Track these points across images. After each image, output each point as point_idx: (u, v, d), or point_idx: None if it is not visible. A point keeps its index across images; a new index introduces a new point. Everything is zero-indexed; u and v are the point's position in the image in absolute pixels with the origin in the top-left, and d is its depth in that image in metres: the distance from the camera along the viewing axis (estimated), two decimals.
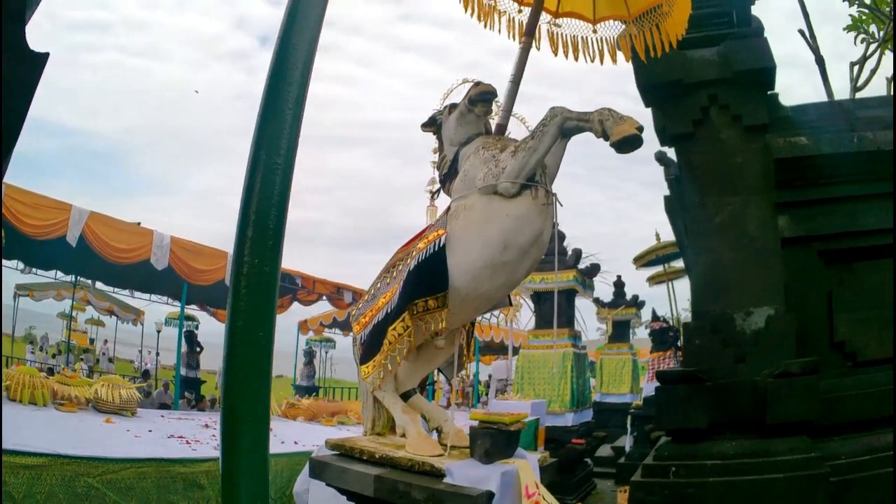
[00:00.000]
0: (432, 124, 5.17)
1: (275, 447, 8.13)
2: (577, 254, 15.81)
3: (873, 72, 12.14)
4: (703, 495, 5.85)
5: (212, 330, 22.48)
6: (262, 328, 2.50)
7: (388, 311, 4.62)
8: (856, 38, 12.19)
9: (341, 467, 4.63)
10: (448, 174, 4.83)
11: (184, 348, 18.86)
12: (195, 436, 8.82)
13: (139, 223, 13.72)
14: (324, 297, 19.64)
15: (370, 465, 4.57)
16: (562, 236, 16.38)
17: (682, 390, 6.37)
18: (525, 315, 16.43)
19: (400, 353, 4.51)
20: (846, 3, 11.49)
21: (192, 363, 19.87)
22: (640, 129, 4.07)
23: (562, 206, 4.70)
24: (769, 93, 7.19)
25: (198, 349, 20.57)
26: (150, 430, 8.71)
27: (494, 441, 4.41)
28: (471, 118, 4.82)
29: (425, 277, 4.42)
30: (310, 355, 27.62)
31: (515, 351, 16.27)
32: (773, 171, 6.78)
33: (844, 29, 12.17)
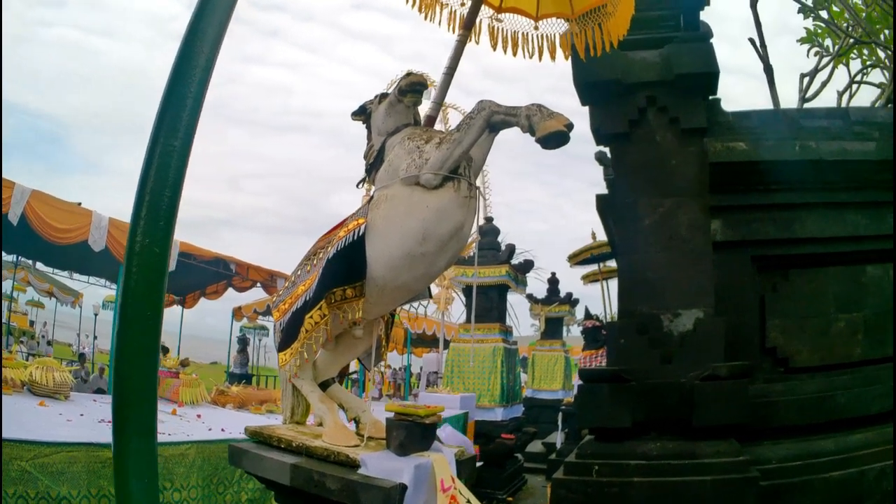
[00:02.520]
0: (362, 113, 5.20)
1: (203, 434, 8.18)
2: (511, 249, 15.95)
3: (824, 84, 12.36)
4: (627, 495, 5.94)
5: None
6: (150, 307, 2.59)
7: (307, 298, 4.64)
8: (809, 50, 12.39)
9: (259, 455, 4.67)
10: (374, 164, 4.86)
11: None
12: None
13: (80, 203, 13.65)
14: (258, 284, 19.65)
15: (287, 453, 4.62)
16: (496, 231, 16.60)
17: (606, 389, 6.48)
18: (458, 308, 16.57)
19: (316, 341, 4.54)
20: (801, 16, 11.68)
21: None
22: (569, 126, 4.12)
23: (485, 199, 4.77)
24: (711, 98, 7.33)
25: None
26: (81, 415, 8.66)
27: (409, 433, 4.45)
28: (400, 108, 4.86)
29: (343, 266, 4.46)
30: (243, 342, 27.54)
31: (447, 344, 16.39)
32: (709, 175, 6.89)
33: (798, 41, 12.37)
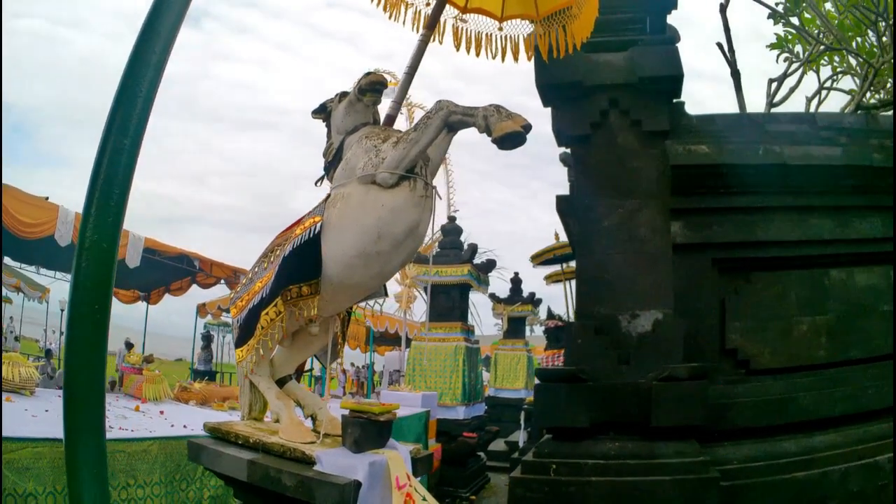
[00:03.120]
0: (322, 112, 5.26)
1: (165, 430, 8.23)
2: (473, 249, 16.10)
3: (792, 89, 12.47)
4: (585, 494, 6.01)
5: (114, 311, 22.37)
6: (98, 301, 2.67)
7: (263, 295, 4.70)
8: (778, 56, 12.50)
9: (217, 451, 4.72)
10: (333, 162, 4.92)
11: None
12: None
13: (47, 198, 13.61)
14: (222, 281, 19.65)
15: (244, 449, 4.66)
16: (459, 230, 16.76)
17: (563, 389, 6.57)
18: (421, 306, 16.68)
19: (272, 337, 4.62)
20: (772, 22, 11.77)
21: None
22: (527, 127, 4.18)
23: (440, 199, 4.84)
24: (675, 101, 7.42)
25: None
26: (46, 410, 8.66)
27: (364, 430, 4.50)
28: (359, 107, 4.92)
29: (299, 264, 4.52)
30: (207, 339, 27.43)
31: (409, 342, 16.49)
32: (670, 178, 6.98)
33: (768, 46, 12.47)
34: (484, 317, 23.06)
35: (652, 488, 5.99)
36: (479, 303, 17.55)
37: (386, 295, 5.53)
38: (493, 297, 22.69)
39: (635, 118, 7.14)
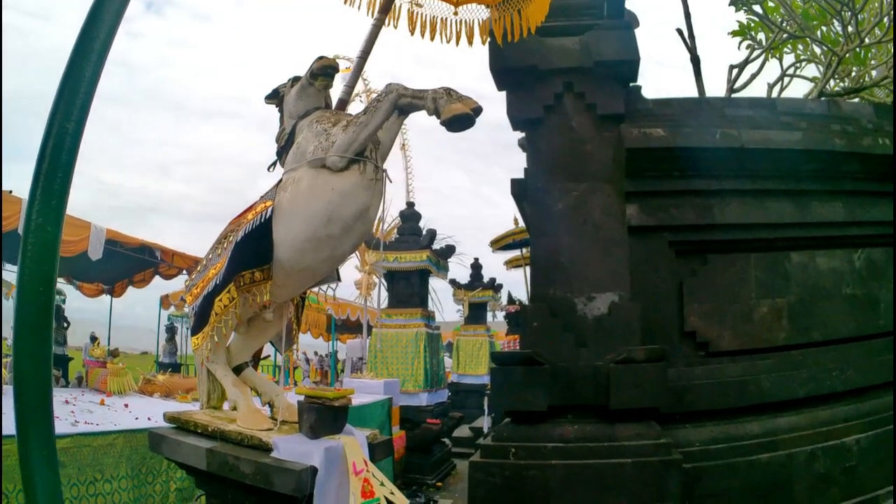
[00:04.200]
0: (275, 97, 5.31)
1: (130, 423, 8.25)
2: (432, 234, 16.15)
3: (754, 76, 12.57)
4: (545, 477, 6.07)
5: (79, 306, 22.23)
6: (43, 283, 2.75)
7: (217, 282, 4.74)
8: (740, 43, 12.60)
9: (176, 440, 4.78)
10: (285, 147, 4.97)
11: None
12: (55, 412, 8.81)
13: (10, 191, 13.54)
14: (184, 272, 19.16)
15: (203, 438, 4.73)
16: (418, 216, 16.82)
17: (520, 372, 6.61)
18: (382, 293, 16.75)
19: (226, 324, 4.67)
20: (735, 9, 11.86)
21: (59, 339, 19.65)
22: (476, 109, 4.27)
23: (391, 182, 4.91)
24: (632, 85, 7.49)
25: (65, 324, 20.31)
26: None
27: (320, 416, 4.56)
28: (311, 92, 4.98)
29: (251, 249, 4.57)
30: (171, 331, 27.37)
31: (370, 330, 16.57)
32: (625, 161, 7.04)
33: (729, 34, 12.57)
34: (445, 303, 23.20)
35: (612, 471, 6.06)
36: (439, 289, 17.62)
37: (338, 280, 5.59)
38: (453, 282, 22.91)
39: (590, 102, 7.19)
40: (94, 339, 19.92)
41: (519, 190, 7.43)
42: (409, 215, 16.76)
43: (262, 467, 4.27)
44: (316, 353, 36.85)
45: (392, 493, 4.65)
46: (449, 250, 17.12)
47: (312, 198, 4.49)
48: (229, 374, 5.11)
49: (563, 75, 7.19)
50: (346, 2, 5.62)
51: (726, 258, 7.42)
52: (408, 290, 15.92)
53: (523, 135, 7.56)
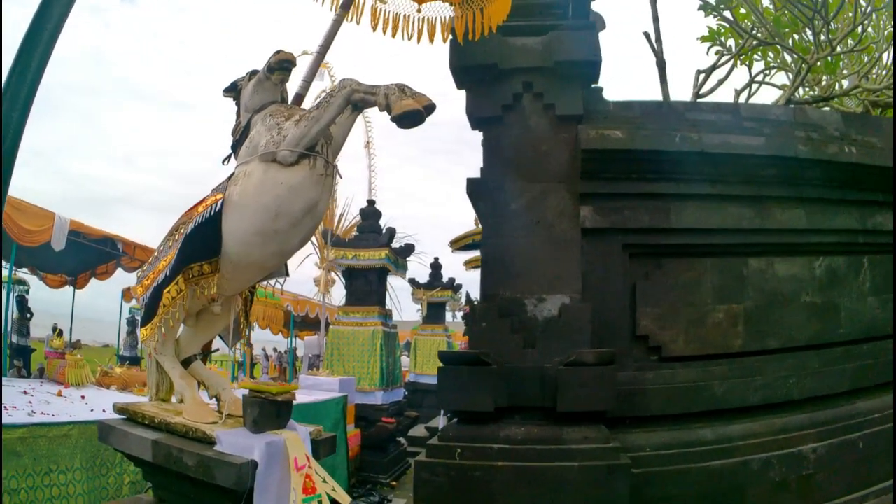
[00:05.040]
0: (232, 90, 5.34)
1: (86, 415, 8.27)
2: (391, 233, 16.15)
3: (721, 81, 12.64)
4: (491, 479, 6.13)
5: (43, 297, 22.09)
6: None
7: (167, 274, 4.76)
8: (709, 49, 12.67)
9: (124, 431, 4.80)
10: (240, 140, 5.00)
11: (14, 314, 18.56)
12: (12, 402, 8.78)
13: None
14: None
15: (150, 429, 4.75)
16: (378, 214, 16.86)
17: (466, 372, 6.67)
18: (341, 290, 16.78)
19: (173, 316, 4.71)
20: (704, 14, 11.92)
21: (22, 330, 19.62)
22: (429, 107, 4.37)
23: (341, 178, 4.96)
24: (593, 86, 7.56)
25: (28, 315, 20.19)
26: None
27: (262, 411, 4.61)
28: (268, 86, 5.01)
29: (200, 242, 4.61)
30: (132, 324, 27.24)
31: (329, 327, 16.65)
32: (581, 162, 7.09)
33: (699, 39, 12.64)
34: (404, 302, 23.30)
35: (559, 474, 6.11)
36: (399, 287, 17.70)
37: (287, 274, 5.63)
38: (412, 282, 22.98)
39: (549, 102, 7.28)
40: (55, 330, 19.79)
41: (474, 189, 7.45)
42: (370, 213, 16.79)
43: (204, 460, 4.32)
44: (275, 350, 36.84)
45: (334, 490, 4.71)
46: (408, 249, 17.16)
47: (262, 192, 4.53)
48: (177, 367, 5.14)
49: (523, 75, 7.30)
50: None
51: (682, 262, 7.52)
52: (366, 287, 15.96)
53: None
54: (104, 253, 17.71)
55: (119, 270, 19.82)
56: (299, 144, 4.50)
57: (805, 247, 7.87)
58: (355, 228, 16.65)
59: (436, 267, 23.97)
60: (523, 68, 7.28)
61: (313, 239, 16.71)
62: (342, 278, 16.36)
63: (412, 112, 4.33)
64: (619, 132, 7.18)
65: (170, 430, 4.71)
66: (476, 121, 7.53)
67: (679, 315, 7.39)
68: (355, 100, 4.59)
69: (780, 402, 7.41)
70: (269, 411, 4.66)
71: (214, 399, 5.26)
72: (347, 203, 18.20)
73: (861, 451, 7.34)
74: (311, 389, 12.86)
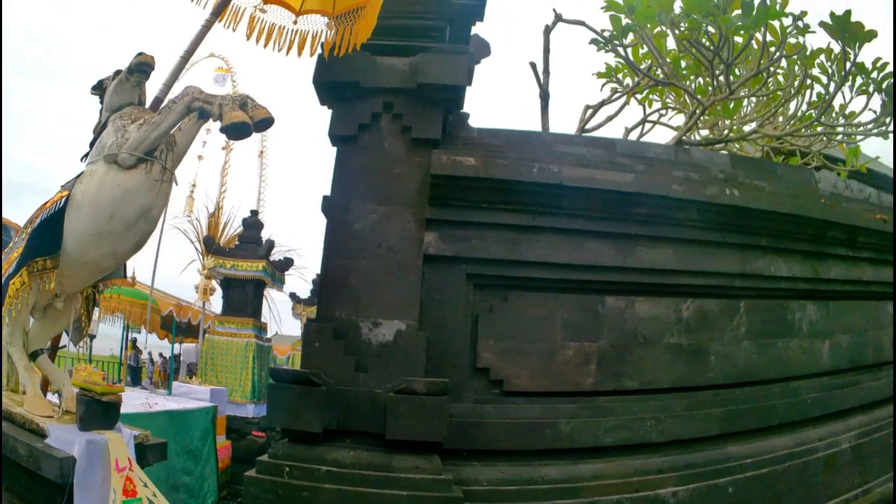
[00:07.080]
0: (98, 88, 5.80)
1: None
2: (270, 244, 16.92)
3: (610, 118, 13.00)
4: (318, 500, 6.48)
5: None
6: None
7: (14, 266, 5.18)
8: (604, 85, 13.11)
9: None
10: (96, 139, 5.42)
11: None
12: None
13: None
14: None
15: None
16: (260, 225, 17.53)
17: (296, 391, 6.97)
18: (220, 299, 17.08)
19: (16, 307, 5.10)
20: (596, 49, 12.39)
21: None
22: (264, 121, 4.95)
23: (177, 184, 5.43)
24: (461, 112, 8.00)
25: None
26: None
27: (89, 409, 5.10)
28: (127, 87, 5.50)
29: (44, 237, 5.06)
30: None
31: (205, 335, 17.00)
32: (431, 188, 7.55)
33: (594, 74, 13.02)
34: (284, 316, 23.52)
35: (387, 501, 6.42)
36: (280, 301, 18.03)
37: (124, 276, 6.05)
38: (293, 296, 23.89)
39: (406, 124, 7.64)
40: None
41: (325, 206, 7.85)
42: (252, 223, 17.38)
43: (34, 451, 4.83)
44: (161, 355, 36.76)
45: (155, 496, 5.21)
46: (287, 263, 17.85)
47: (100, 192, 5.02)
48: (23, 359, 5.56)
49: (385, 95, 7.68)
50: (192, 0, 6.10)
51: (531, 296, 7.85)
52: (242, 298, 16.56)
53: None
54: None
55: None
56: (138, 148, 4.99)
57: (672, 288, 8.22)
58: (237, 238, 17.25)
59: (317, 283, 23.98)
60: (386, 88, 7.63)
61: (196, 245, 17.03)
62: (220, 287, 16.71)
63: (239, 124, 4.87)
64: (472, 159, 7.51)
65: (11, 419, 5.18)
66: (333, 138, 7.96)
67: (525, 350, 7.67)
68: (195, 108, 5.09)
69: (637, 444, 7.68)
70: (97, 410, 5.15)
71: (57, 393, 5.70)
72: (233, 212, 18.58)
73: (730, 496, 7.70)
74: (183, 397, 13.31)
